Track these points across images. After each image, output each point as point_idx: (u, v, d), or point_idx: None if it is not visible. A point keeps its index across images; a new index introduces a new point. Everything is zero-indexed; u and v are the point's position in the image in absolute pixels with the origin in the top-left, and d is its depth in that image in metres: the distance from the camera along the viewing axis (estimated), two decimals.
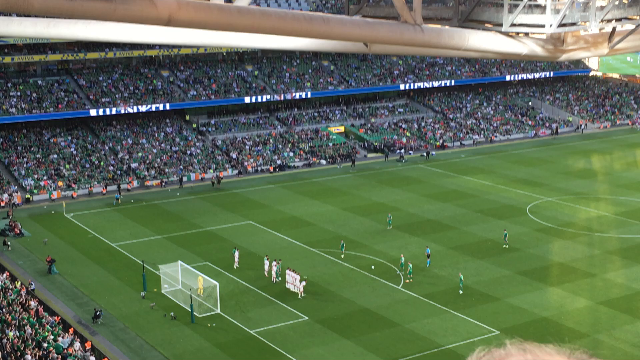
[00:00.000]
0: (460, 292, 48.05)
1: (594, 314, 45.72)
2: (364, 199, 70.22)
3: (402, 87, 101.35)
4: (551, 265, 53.71)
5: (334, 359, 40.59)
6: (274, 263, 50.87)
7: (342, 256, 54.88)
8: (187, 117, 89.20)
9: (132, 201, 71.12)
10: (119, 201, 70.24)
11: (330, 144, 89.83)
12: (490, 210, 65.87)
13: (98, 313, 45.33)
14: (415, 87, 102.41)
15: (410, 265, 50.93)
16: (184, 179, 77.59)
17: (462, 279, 48.87)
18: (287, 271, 49.77)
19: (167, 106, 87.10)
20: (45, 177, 74.85)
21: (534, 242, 57.74)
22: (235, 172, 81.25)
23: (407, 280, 50.12)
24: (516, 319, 44.69)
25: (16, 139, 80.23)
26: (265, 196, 71.91)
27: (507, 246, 56.34)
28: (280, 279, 50.25)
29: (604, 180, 77.47)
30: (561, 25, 19.60)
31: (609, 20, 20.96)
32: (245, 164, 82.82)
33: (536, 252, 55.67)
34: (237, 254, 53.37)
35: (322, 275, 51.29)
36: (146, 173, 78.29)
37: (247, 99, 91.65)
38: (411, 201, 69.07)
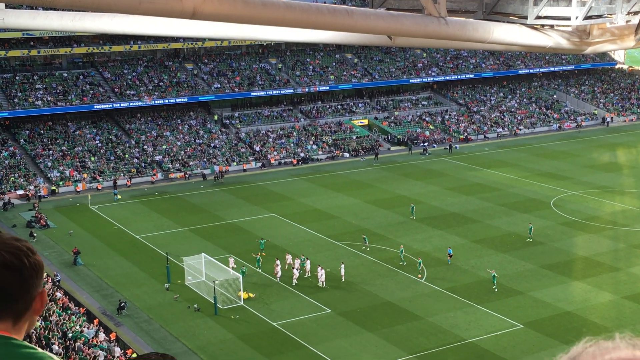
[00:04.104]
0: (495, 289, 47.22)
1: (619, 308, 45.39)
2: (387, 192, 70.13)
3: (425, 80, 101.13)
4: (575, 259, 53.37)
5: (356, 352, 40.64)
6: (306, 260, 50.82)
7: (365, 248, 54.73)
8: (216, 117, 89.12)
9: (156, 193, 71.55)
10: (118, 196, 69.67)
11: (354, 137, 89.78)
12: (514, 203, 65.54)
13: (122, 304, 45.72)
14: (439, 80, 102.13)
15: (420, 260, 50.78)
16: (208, 171, 77.81)
17: (496, 276, 47.91)
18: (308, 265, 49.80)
19: (191, 99, 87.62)
20: (70, 169, 75.47)
21: (558, 235, 57.39)
22: (259, 164, 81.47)
23: (419, 276, 49.89)
24: (540, 313, 44.48)
25: (42, 132, 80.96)
26: (288, 189, 72.04)
27: (531, 240, 56.04)
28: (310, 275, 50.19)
29: (629, 173, 76.79)
30: (587, 17, 19.42)
31: (636, 12, 20.74)
32: (269, 156, 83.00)
33: (560, 246, 55.35)
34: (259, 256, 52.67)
35: (345, 267, 51.26)
36: (170, 165, 78.71)
37: (270, 92, 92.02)
38: (435, 194, 68.88)
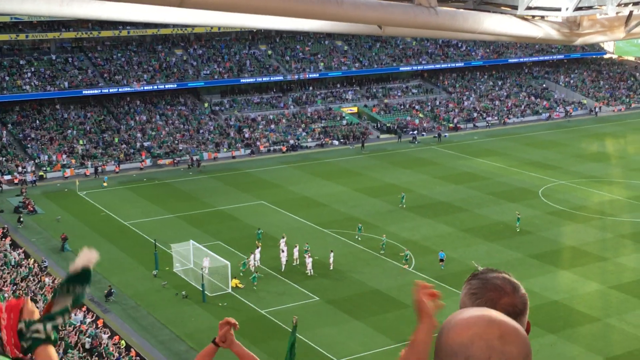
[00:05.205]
0: None
1: (605, 298, 45.63)
2: (377, 180, 70.12)
3: (416, 68, 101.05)
4: (563, 249, 53.58)
5: (344, 340, 40.74)
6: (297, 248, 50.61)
7: (358, 238, 54.54)
8: (206, 105, 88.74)
9: (145, 180, 71.32)
10: (105, 184, 69.26)
11: (344, 123, 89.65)
12: (502, 192, 65.66)
13: (110, 291, 45.60)
14: (429, 68, 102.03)
15: (407, 252, 50.68)
16: (197, 157, 77.35)
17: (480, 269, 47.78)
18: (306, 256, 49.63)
19: (180, 85, 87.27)
20: (58, 154, 75.05)
21: (546, 225, 57.56)
22: (248, 151, 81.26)
23: (405, 266, 49.81)
24: None
25: (30, 116, 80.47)
26: (277, 176, 71.92)
27: (519, 230, 56.07)
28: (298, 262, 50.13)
29: (618, 163, 77.05)
30: (577, 8, 19.38)
31: (626, 4, 20.70)
32: (258, 143, 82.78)
33: (548, 236, 55.52)
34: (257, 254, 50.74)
35: (333, 255, 51.24)
36: (159, 151, 78.40)
37: (260, 79, 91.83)
38: (423, 183, 68.93)
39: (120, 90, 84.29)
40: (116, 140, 79.31)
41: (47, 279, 45.22)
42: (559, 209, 61.17)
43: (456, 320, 2.62)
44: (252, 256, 49.41)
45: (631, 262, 50.60)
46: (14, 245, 51.77)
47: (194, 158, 76.71)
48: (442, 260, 49.86)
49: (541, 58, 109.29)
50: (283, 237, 51.54)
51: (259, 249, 50.57)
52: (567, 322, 42.11)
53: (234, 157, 79.36)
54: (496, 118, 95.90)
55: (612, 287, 46.78)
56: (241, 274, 47.92)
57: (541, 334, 39.98)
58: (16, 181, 69.30)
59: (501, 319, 2.58)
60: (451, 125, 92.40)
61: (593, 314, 43.21)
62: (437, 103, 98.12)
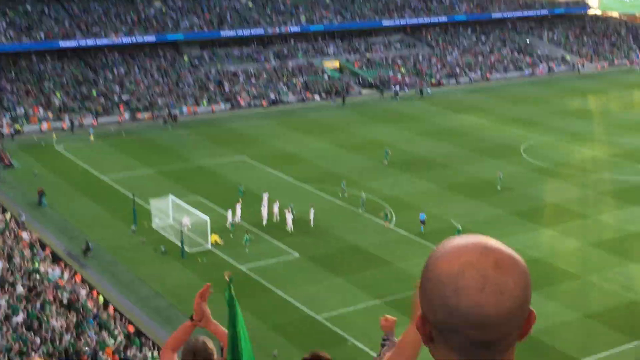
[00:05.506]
0: None
1: (586, 255, 45.65)
2: (358, 135, 69.56)
3: (398, 23, 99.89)
4: (544, 206, 53.47)
5: (325, 297, 40.51)
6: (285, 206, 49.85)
7: (344, 195, 53.83)
8: (186, 59, 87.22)
9: (124, 134, 70.31)
10: (91, 137, 67.99)
11: (326, 78, 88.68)
12: (484, 149, 65.34)
13: (88, 246, 45.04)
14: (412, 22, 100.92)
15: (387, 213, 50.10)
16: (177, 111, 76.31)
17: (460, 230, 47.27)
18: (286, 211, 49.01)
19: (160, 37, 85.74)
20: (35, 107, 73.74)
21: (527, 182, 57.37)
22: (228, 106, 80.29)
23: (386, 223, 49.30)
24: None
25: (5, 68, 78.82)
26: (258, 131, 71.15)
27: (500, 188, 55.69)
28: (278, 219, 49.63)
29: (600, 120, 76.87)
30: None
31: None
32: (238, 97, 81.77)
33: (529, 193, 55.36)
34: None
35: (314, 212, 50.82)
36: (138, 105, 77.21)
37: (240, 32, 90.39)
38: (405, 139, 68.45)
39: (97, 42, 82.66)
40: (94, 93, 78.01)
41: (24, 234, 44.59)
42: (540, 166, 60.98)
43: (446, 248, 2.29)
44: (230, 212, 48.79)
45: (611, 220, 50.61)
46: None
47: (171, 112, 75.52)
48: (423, 222, 48.56)
49: (525, 14, 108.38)
50: (266, 193, 50.82)
51: (239, 204, 49.92)
52: (547, 280, 42.05)
53: (213, 112, 78.38)
54: (479, 73, 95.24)
55: (593, 244, 46.78)
56: (231, 236, 47.16)
57: None
58: None
59: (497, 246, 2.27)
60: (434, 81, 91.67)
61: (573, 271, 43.23)
62: (420, 58, 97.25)
